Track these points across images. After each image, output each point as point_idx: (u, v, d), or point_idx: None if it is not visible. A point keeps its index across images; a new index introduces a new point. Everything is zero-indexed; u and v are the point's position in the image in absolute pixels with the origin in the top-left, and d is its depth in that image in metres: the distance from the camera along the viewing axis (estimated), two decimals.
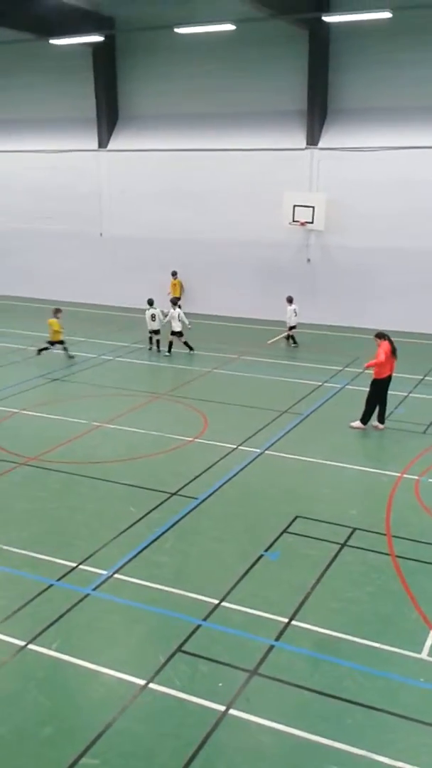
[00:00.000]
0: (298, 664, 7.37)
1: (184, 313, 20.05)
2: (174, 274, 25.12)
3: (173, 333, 19.85)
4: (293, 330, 20.97)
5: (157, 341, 20.51)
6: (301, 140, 23.37)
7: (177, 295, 25.16)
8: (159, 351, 20.35)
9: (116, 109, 26.34)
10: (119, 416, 14.82)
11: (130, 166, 25.99)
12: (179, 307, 20.07)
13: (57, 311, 19.29)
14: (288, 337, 21.01)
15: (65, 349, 19.18)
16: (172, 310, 19.81)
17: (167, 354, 19.89)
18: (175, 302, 20.22)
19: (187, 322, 19.88)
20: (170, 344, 19.97)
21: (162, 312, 20.24)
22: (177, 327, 19.78)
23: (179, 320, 19.72)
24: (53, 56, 25.36)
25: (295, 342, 20.98)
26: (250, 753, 6.28)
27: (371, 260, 22.95)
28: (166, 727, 6.55)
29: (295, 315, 20.81)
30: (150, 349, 20.54)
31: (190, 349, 20.01)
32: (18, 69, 26.73)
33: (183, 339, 19.94)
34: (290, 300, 20.91)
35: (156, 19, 22.49)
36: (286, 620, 8.05)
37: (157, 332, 20.40)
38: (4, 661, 7.39)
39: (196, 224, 25.23)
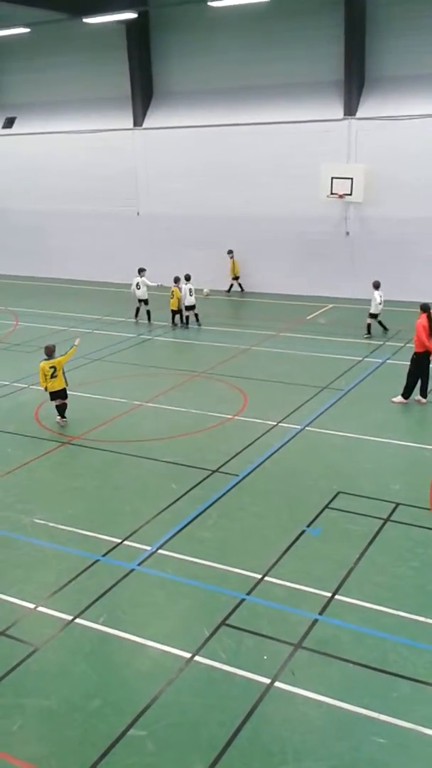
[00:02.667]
0: (343, 638, 7.37)
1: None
2: (230, 252, 24.78)
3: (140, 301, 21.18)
4: (374, 318, 18.78)
5: (195, 315, 20.62)
6: (338, 111, 22.92)
7: (237, 274, 24.95)
8: (199, 325, 20.61)
9: (151, 87, 26.19)
10: (159, 395, 14.90)
11: (166, 143, 25.84)
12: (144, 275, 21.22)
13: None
14: (369, 327, 18.79)
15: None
16: (138, 279, 21.09)
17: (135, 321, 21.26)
18: (141, 270, 21.25)
19: (149, 284, 21.08)
20: (138, 311, 21.37)
21: (191, 288, 20.71)
22: (142, 295, 21.08)
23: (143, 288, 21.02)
24: (87, 35, 25.28)
25: (369, 333, 18.76)
26: (297, 725, 6.33)
27: (412, 231, 22.49)
28: (213, 699, 6.63)
29: (379, 303, 18.47)
30: (186, 326, 20.60)
31: (136, 316, 21.36)
32: (52, 50, 26.71)
33: (146, 307, 21.29)
34: (377, 285, 18.59)
35: None
36: (329, 594, 8.05)
37: (192, 307, 20.48)
38: (52, 635, 7.55)
39: (232, 200, 25.02)
